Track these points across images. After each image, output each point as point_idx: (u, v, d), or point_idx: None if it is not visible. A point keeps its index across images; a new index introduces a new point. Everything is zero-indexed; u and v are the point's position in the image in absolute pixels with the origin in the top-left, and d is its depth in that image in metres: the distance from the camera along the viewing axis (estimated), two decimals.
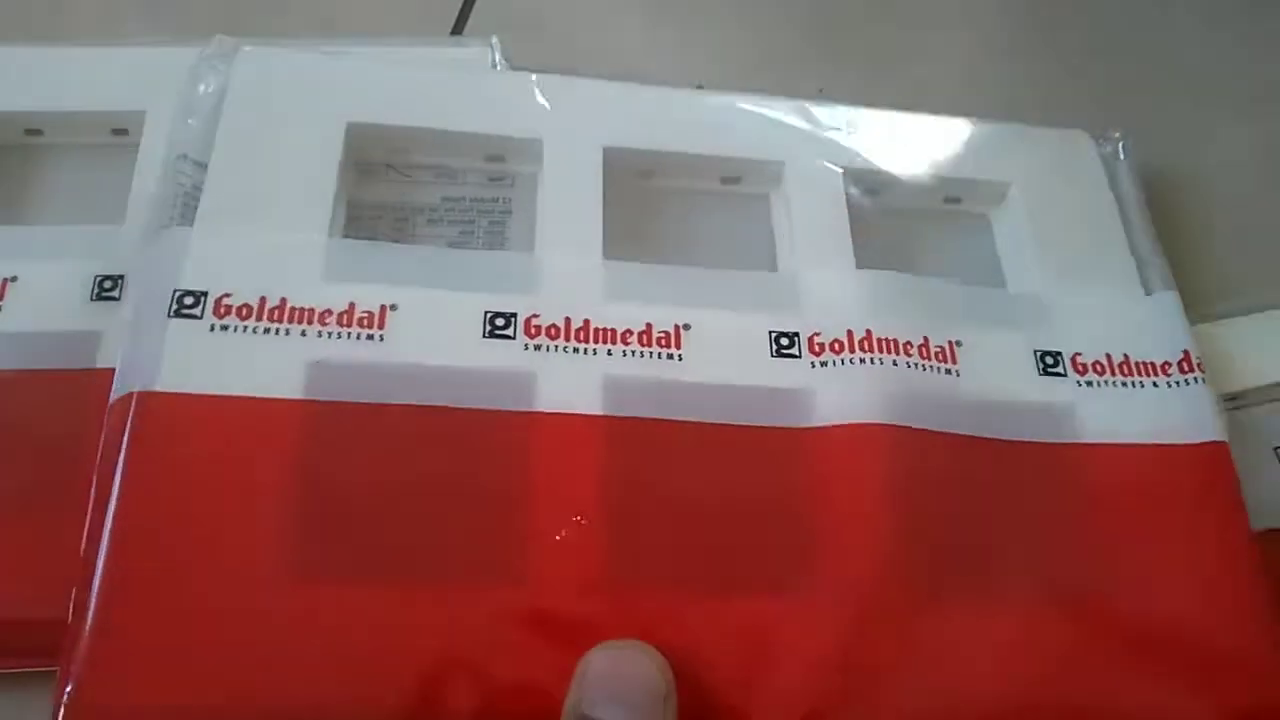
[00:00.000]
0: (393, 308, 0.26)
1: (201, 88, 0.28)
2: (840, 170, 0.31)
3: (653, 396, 0.26)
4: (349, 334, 0.25)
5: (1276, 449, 0.30)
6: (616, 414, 0.26)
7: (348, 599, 0.22)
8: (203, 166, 0.27)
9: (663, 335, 0.27)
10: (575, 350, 0.26)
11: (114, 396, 0.24)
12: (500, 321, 0.26)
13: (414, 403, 0.25)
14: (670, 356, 0.27)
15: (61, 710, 0.21)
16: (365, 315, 0.25)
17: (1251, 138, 0.38)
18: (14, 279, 0.27)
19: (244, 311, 0.25)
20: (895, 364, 0.27)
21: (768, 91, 0.32)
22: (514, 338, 0.26)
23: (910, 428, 0.26)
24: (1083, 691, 0.25)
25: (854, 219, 0.30)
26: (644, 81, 0.31)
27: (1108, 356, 0.29)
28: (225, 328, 0.25)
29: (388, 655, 0.22)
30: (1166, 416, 0.28)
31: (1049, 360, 0.29)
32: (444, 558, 0.23)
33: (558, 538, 0.24)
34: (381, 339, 0.25)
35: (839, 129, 0.32)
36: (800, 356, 0.27)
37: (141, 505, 0.22)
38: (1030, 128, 0.34)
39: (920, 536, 0.25)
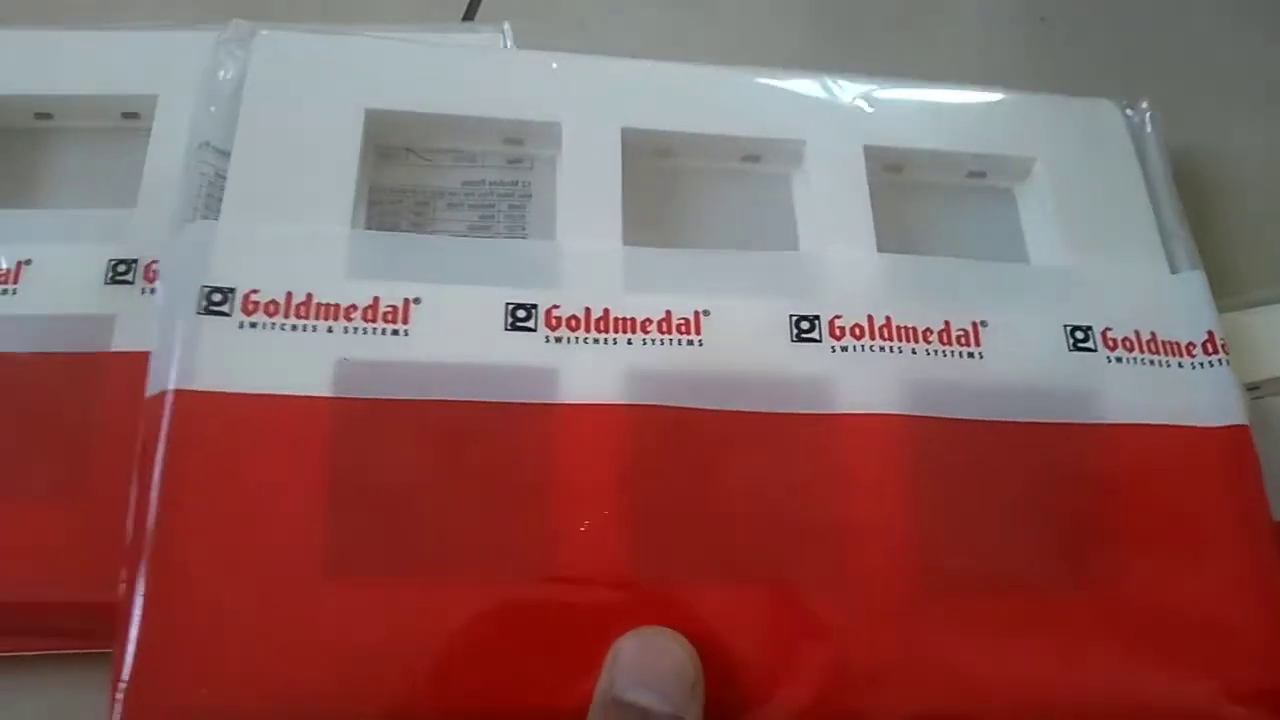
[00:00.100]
0: (416, 301, 0.26)
1: (221, 74, 0.28)
2: (862, 148, 0.30)
3: (674, 384, 0.26)
4: (374, 329, 0.25)
5: None
6: (639, 402, 0.26)
7: (378, 594, 0.23)
8: (225, 154, 0.27)
9: (682, 322, 0.27)
10: (596, 340, 0.26)
11: (149, 392, 0.24)
12: (521, 313, 0.26)
13: (440, 398, 0.25)
14: (690, 343, 0.27)
15: (118, 710, 0.21)
16: (390, 310, 0.26)
17: (1272, 130, 0.37)
18: (28, 262, 0.28)
19: (271, 308, 0.25)
20: (915, 352, 0.27)
21: (787, 66, 0.32)
22: (535, 329, 0.26)
23: (930, 417, 0.27)
24: (1100, 673, 0.25)
25: (876, 195, 0.30)
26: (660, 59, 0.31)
27: (1136, 333, 0.29)
28: (254, 325, 0.25)
29: (418, 649, 0.23)
30: (1190, 398, 0.28)
31: (1079, 335, 0.29)
32: (472, 551, 0.24)
33: (582, 528, 0.24)
34: (406, 333, 0.25)
35: (860, 104, 0.31)
36: (821, 340, 0.27)
37: (182, 505, 0.23)
38: (1056, 97, 0.33)
39: (939, 528, 0.26)
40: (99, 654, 0.24)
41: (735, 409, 0.26)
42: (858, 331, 0.27)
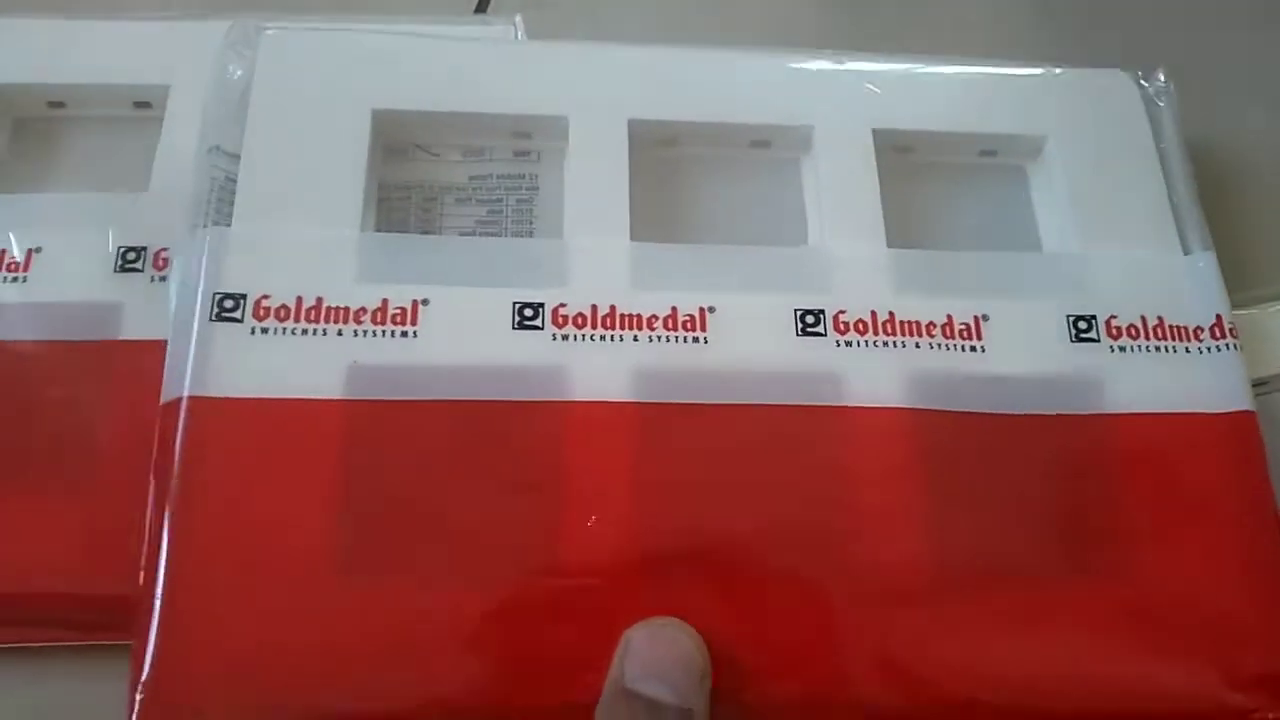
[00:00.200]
0: (424, 302, 0.26)
1: (228, 74, 0.28)
2: (871, 133, 0.30)
3: (680, 381, 0.27)
4: (383, 331, 0.26)
5: None
6: (646, 400, 0.26)
7: (391, 593, 0.24)
8: (234, 157, 0.27)
9: (688, 319, 0.27)
10: (603, 338, 0.27)
11: (164, 399, 0.25)
12: (529, 312, 0.27)
13: (449, 398, 0.26)
14: (696, 340, 0.27)
15: (137, 711, 0.22)
16: (398, 312, 0.26)
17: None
18: (39, 250, 0.28)
19: (282, 313, 0.26)
20: (919, 346, 0.27)
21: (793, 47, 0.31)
22: (542, 328, 0.26)
23: (935, 410, 0.27)
24: (1104, 660, 0.25)
25: (886, 177, 0.30)
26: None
27: (1142, 319, 0.29)
28: (265, 330, 0.25)
29: (430, 646, 0.24)
30: (1196, 384, 0.28)
31: (1082, 325, 0.29)
32: (482, 549, 0.25)
33: (589, 524, 0.25)
34: (415, 334, 0.26)
35: (870, 85, 0.31)
36: (825, 335, 0.28)
37: (198, 510, 0.24)
38: (1069, 71, 0.32)
39: (945, 520, 0.26)
40: (105, 646, 0.25)
41: (741, 403, 0.27)
42: (861, 327, 0.28)
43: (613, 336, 0.27)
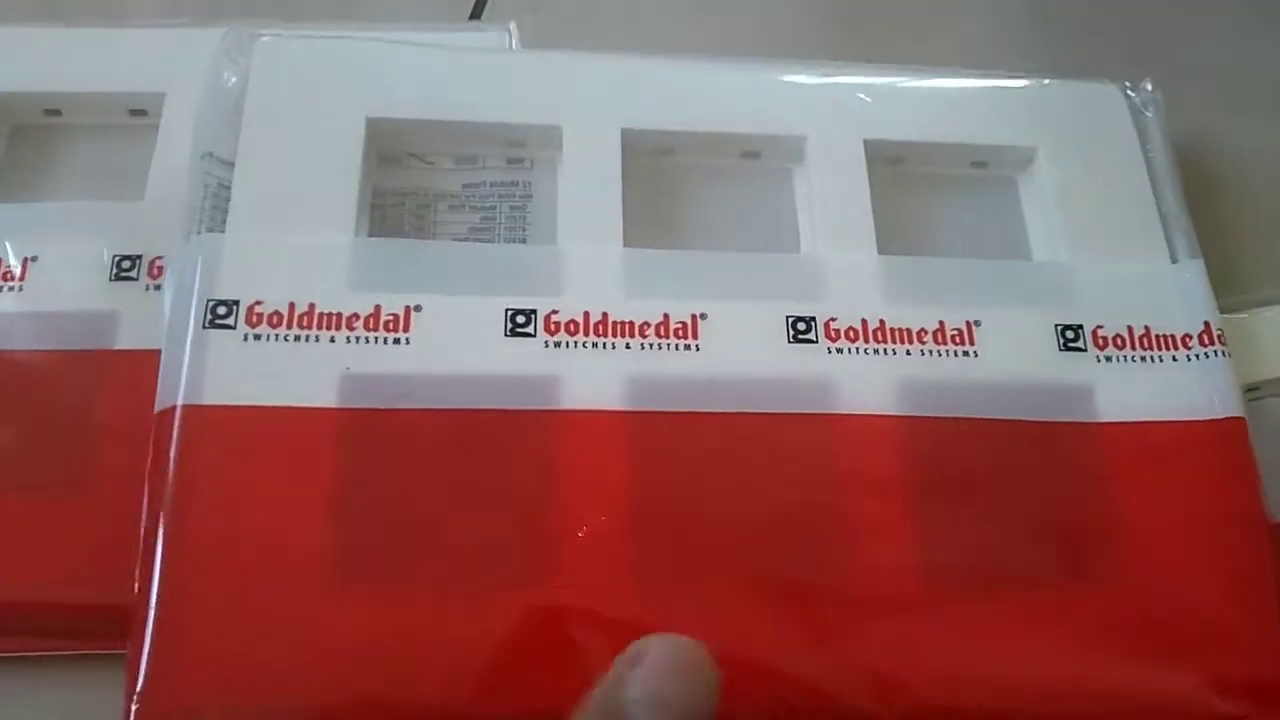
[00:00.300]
0: (417, 309, 0.26)
1: (222, 81, 0.28)
2: (863, 144, 0.30)
3: (672, 389, 0.27)
4: (376, 338, 0.26)
5: None
6: (638, 408, 0.26)
7: (383, 604, 0.24)
8: (228, 164, 0.27)
9: (679, 326, 0.27)
10: (595, 345, 0.27)
11: (158, 407, 0.25)
12: (521, 319, 0.27)
13: (441, 406, 0.26)
14: (688, 347, 0.27)
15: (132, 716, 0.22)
16: (391, 319, 0.26)
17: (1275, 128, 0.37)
18: (34, 258, 0.28)
19: (275, 319, 0.26)
20: (910, 353, 0.28)
21: (786, 58, 0.31)
22: (535, 335, 0.27)
23: (927, 417, 0.27)
24: (1093, 667, 0.25)
25: (878, 188, 0.30)
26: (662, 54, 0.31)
27: (1129, 329, 0.29)
28: (258, 336, 0.26)
29: (423, 655, 0.23)
30: (1185, 391, 0.28)
31: (1069, 335, 0.29)
32: (475, 558, 0.25)
33: (580, 534, 0.25)
34: (408, 342, 0.26)
35: (861, 97, 0.31)
36: (817, 341, 0.28)
37: (192, 519, 0.24)
38: (1058, 82, 0.33)
39: (937, 527, 0.26)
40: (101, 655, 0.25)
41: (733, 410, 0.27)
42: (852, 335, 0.28)
43: (605, 344, 0.27)
